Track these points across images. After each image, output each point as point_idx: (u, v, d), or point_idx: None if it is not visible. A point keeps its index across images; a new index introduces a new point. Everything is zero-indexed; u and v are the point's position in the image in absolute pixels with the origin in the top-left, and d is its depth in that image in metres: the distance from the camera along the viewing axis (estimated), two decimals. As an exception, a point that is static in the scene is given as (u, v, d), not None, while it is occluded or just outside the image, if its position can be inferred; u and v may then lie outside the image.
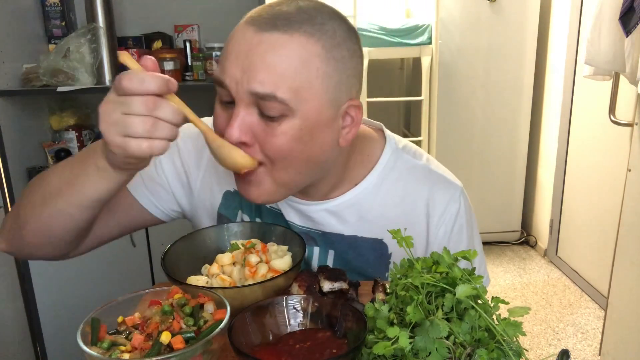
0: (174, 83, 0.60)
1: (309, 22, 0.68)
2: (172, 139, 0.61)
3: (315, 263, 0.88)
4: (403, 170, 0.86)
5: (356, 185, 0.85)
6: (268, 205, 0.89)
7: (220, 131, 0.73)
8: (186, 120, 0.63)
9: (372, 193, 0.85)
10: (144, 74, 0.58)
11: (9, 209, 1.90)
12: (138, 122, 0.58)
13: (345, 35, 0.71)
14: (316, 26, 0.68)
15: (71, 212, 0.72)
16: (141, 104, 0.58)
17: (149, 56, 0.61)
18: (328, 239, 0.87)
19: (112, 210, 0.87)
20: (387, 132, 0.90)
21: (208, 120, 0.92)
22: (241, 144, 0.70)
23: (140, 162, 0.65)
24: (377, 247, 0.86)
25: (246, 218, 0.91)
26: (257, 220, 0.90)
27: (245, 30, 0.69)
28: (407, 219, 0.84)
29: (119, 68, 2.00)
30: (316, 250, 0.88)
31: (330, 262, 0.88)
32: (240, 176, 0.74)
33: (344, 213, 0.85)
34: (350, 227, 0.86)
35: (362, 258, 0.86)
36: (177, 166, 0.91)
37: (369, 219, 0.85)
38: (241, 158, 0.70)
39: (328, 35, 0.69)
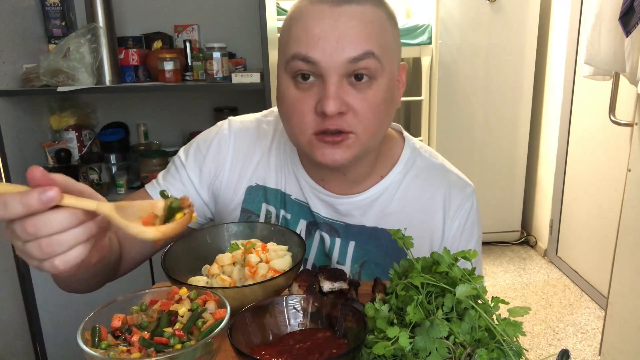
0: (50, 194, 0.49)
1: None
2: (85, 240, 0.53)
3: (336, 254, 0.91)
4: (422, 168, 0.92)
5: (382, 178, 0.90)
6: (294, 197, 0.92)
7: (301, 115, 0.76)
8: (93, 213, 0.53)
9: (394, 187, 0.90)
10: (5, 198, 0.49)
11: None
12: (32, 248, 0.51)
13: (391, 9, 0.81)
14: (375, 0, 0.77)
15: (80, 281, 0.76)
16: (21, 230, 0.50)
17: (33, 167, 0.50)
18: (350, 231, 0.91)
19: (131, 238, 0.87)
20: (405, 133, 0.97)
21: (245, 118, 0.98)
22: (337, 115, 0.74)
23: (72, 271, 0.55)
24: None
25: (271, 209, 0.93)
26: (282, 211, 0.92)
27: (321, 8, 0.74)
28: (425, 212, 0.90)
29: (119, 68, 2.00)
30: (338, 241, 0.91)
31: (350, 253, 0.91)
32: (328, 139, 0.76)
33: (368, 207, 0.90)
34: (372, 219, 0.90)
35: (381, 249, 0.90)
36: (204, 174, 0.94)
37: (389, 211, 0.90)
38: (145, 232, 0.55)
39: (384, 5, 0.79)
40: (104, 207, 0.53)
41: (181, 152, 0.97)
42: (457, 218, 0.90)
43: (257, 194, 0.93)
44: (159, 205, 0.56)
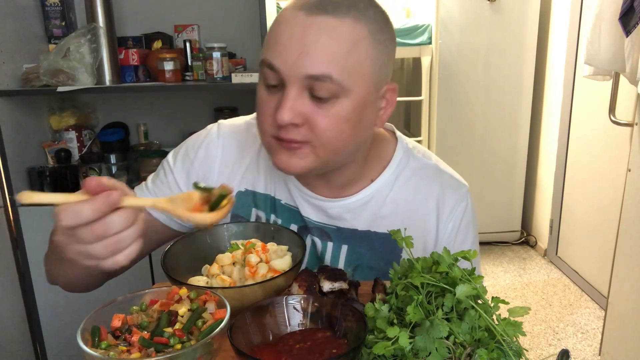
0: (115, 197, 0.55)
1: (355, 8, 0.71)
2: (139, 235, 0.58)
3: (328, 258, 0.90)
4: (415, 169, 0.90)
5: (372, 181, 0.88)
6: (283, 202, 0.91)
7: (266, 115, 0.75)
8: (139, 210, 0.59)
9: (385, 190, 0.88)
10: (76, 206, 0.54)
11: (9, 209, 1.90)
12: (98, 247, 0.55)
13: (383, 20, 0.76)
14: (361, 11, 0.72)
15: (83, 278, 0.81)
16: (89, 234, 0.55)
17: (90, 178, 0.56)
18: (342, 234, 0.89)
19: None
20: (398, 133, 0.94)
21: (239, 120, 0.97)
22: (291, 126, 0.72)
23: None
24: (390, 242, 0.88)
25: (261, 214, 0.92)
26: (272, 216, 0.91)
27: (296, 14, 0.71)
28: (418, 214, 0.88)
29: (119, 68, 2.00)
30: (330, 245, 0.90)
31: (343, 257, 0.90)
32: (284, 144, 0.75)
33: (360, 210, 0.88)
34: (364, 222, 0.89)
35: (375, 252, 0.89)
36: (192, 178, 0.93)
37: (382, 214, 0.88)
38: (203, 218, 0.62)
39: (372, 20, 0.73)
40: (160, 203, 0.60)
41: (170, 155, 0.96)
42: (451, 220, 0.88)
43: (247, 199, 0.92)
44: (194, 196, 0.62)
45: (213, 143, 0.93)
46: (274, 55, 0.71)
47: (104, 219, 0.55)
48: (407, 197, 0.89)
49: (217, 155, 0.92)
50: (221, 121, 0.97)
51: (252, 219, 0.92)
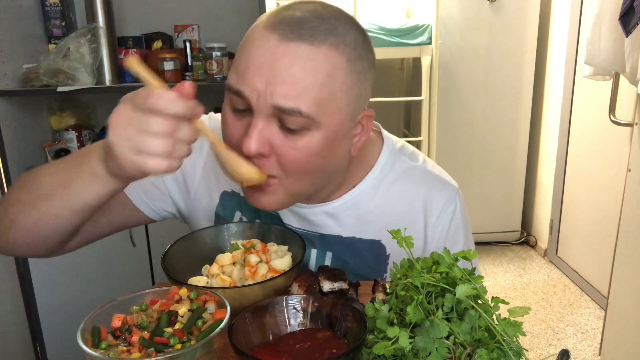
0: (200, 109, 0.59)
1: (333, 33, 0.67)
2: (185, 157, 0.60)
3: (313, 265, 0.88)
4: (400, 172, 0.86)
5: (354, 186, 0.85)
6: None
7: (232, 140, 0.71)
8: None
9: (370, 194, 0.85)
10: (172, 95, 0.56)
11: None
12: (158, 143, 0.56)
13: (363, 45, 0.71)
14: (340, 37, 0.67)
15: (62, 215, 0.70)
16: (165, 124, 0.56)
17: (187, 82, 0.59)
18: (326, 241, 0.87)
19: (103, 208, 0.81)
20: (385, 132, 0.90)
21: (207, 117, 0.91)
22: (258, 156, 0.68)
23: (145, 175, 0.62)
24: (375, 249, 0.86)
25: (244, 219, 0.91)
26: (257, 222, 0.90)
27: (268, 38, 0.66)
28: (405, 219, 0.84)
29: (119, 68, 2.00)
30: (314, 252, 0.88)
31: (328, 264, 0.88)
32: (251, 186, 0.72)
33: (343, 215, 0.85)
34: (349, 228, 0.85)
35: (360, 259, 0.86)
36: (178, 173, 0.90)
37: (367, 220, 0.85)
38: (249, 172, 0.68)
39: (351, 47, 0.68)
40: (218, 141, 0.66)
41: None
42: (439, 225, 0.85)
43: (232, 200, 0.90)
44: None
45: (200, 135, 0.91)
46: (242, 82, 0.67)
47: (182, 122, 0.57)
48: (393, 202, 0.85)
49: (204, 148, 0.90)
50: (212, 114, 0.94)
51: (235, 221, 0.90)
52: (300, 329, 0.65)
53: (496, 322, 0.57)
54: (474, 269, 0.61)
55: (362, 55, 0.70)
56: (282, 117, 0.66)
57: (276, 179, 0.71)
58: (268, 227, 0.85)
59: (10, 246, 0.78)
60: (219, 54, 1.88)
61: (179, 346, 0.56)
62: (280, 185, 0.72)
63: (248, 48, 0.68)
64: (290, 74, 0.64)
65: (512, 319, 0.56)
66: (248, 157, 0.68)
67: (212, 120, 0.92)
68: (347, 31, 0.68)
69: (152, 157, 0.57)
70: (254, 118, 0.67)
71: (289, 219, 0.87)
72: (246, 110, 0.69)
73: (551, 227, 3.25)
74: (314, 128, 0.67)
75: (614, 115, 2.14)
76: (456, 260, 0.61)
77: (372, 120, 0.77)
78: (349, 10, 0.73)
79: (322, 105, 0.66)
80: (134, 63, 0.57)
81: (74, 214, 0.70)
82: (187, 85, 0.58)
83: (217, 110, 2.69)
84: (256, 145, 0.67)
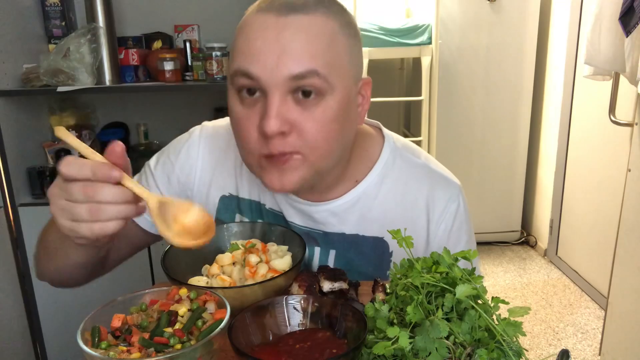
0: (117, 173, 0.58)
1: (322, 4, 0.70)
2: (123, 217, 0.60)
3: (316, 263, 0.88)
4: (403, 169, 0.86)
5: (357, 183, 0.85)
6: (268, 207, 0.89)
7: (246, 134, 0.71)
8: (137, 197, 0.60)
9: (372, 192, 0.85)
10: (82, 161, 0.58)
11: (9, 209, 1.90)
12: (82, 209, 0.58)
13: (348, 15, 0.75)
14: (327, 7, 0.71)
15: (70, 267, 0.77)
16: (79, 191, 0.57)
17: (116, 142, 0.60)
18: (329, 239, 0.87)
19: (121, 235, 0.85)
20: (385, 130, 0.91)
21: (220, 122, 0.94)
22: (279, 137, 0.69)
23: (101, 240, 0.63)
24: (379, 246, 0.86)
25: (245, 220, 0.91)
26: (257, 221, 0.90)
27: (265, 18, 0.68)
28: (408, 217, 0.84)
29: (119, 68, 2.00)
30: (317, 250, 0.88)
31: (331, 262, 0.88)
32: (272, 161, 0.71)
33: (346, 213, 0.85)
34: (351, 226, 0.86)
35: (364, 257, 0.86)
36: (173, 183, 0.92)
37: (369, 217, 0.85)
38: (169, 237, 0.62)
39: (339, 14, 0.72)
40: (152, 199, 0.61)
41: (153, 158, 0.95)
42: (442, 222, 0.85)
43: (231, 204, 0.90)
44: (194, 211, 0.64)
45: (194, 146, 0.91)
46: (250, 62, 0.67)
47: (98, 184, 0.57)
48: (396, 199, 0.85)
49: (198, 159, 0.91)
50: (205, 123, 0.95)
51: None
52: (300, 329, 0.65)
53: (496, 322, 0.57)
54: (474, 269, 0.61)
55: (349, 23, 0.74)
56: (298, 85, 0.68)
57: (300, 154, 0.71)
58: (268, 227, 0.85)
59: (52, 284, 0.89)
60: (219, 54, 1.88)
61: (179, 346, 0.56)
62: (305, 160, 0.72)
63: (247, 32, 0.70)
64: (297, 43, 0.67)
65: (512, 319, 0.56)
66: (269, 138, 0.69)
67: (204, 130, 0.93)
68: (331, 3, 0.72)
69: (83, 223, 0.59)
70: (268, 97, 0.68)
71: (293, 216, 0.87)
72: (257, 95, 0.70)
73: (551, 227, 3.25)
74: (328, 94, 0.70)
75: (614, 115, 2.14)
76: (456, 260, 0.61)
77: (370, 88, 0.79)
78: (349, 10, 0.76)
79: (332, 67, 0.69)
80: (61, 132, 0.59)
81: (77, 268, 0.77)
82: (115, 146, 0.59)
83: (217, 110, 2.68)
84: (276, 123, 0.67)
